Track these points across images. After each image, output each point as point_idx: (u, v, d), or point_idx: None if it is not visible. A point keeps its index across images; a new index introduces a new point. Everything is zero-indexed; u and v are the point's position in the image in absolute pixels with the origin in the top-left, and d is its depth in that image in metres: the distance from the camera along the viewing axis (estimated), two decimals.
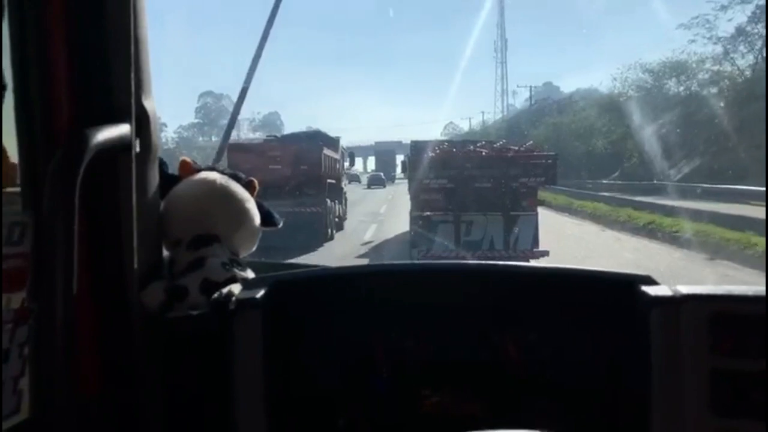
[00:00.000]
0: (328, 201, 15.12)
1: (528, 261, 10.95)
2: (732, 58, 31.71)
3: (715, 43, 32.32)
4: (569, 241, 14.21)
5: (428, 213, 11.16)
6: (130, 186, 1.08)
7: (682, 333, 1.07)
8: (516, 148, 12.81)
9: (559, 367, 1.18)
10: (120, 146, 1.04)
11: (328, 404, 1.21)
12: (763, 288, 1.09)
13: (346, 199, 18.56)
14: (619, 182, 29.66)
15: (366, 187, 45.84)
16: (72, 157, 0.91)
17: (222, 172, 1.35)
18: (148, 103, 1.12)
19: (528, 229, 11.03)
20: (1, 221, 0.93)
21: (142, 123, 1.10)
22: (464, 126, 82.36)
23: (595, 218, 19.55)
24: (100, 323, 1.07)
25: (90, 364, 1.06)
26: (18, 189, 1.02)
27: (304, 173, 14.47)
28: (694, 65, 33.43)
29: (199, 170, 1.34)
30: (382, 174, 52.70)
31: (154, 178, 1.19)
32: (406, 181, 14.67)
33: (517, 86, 62.78)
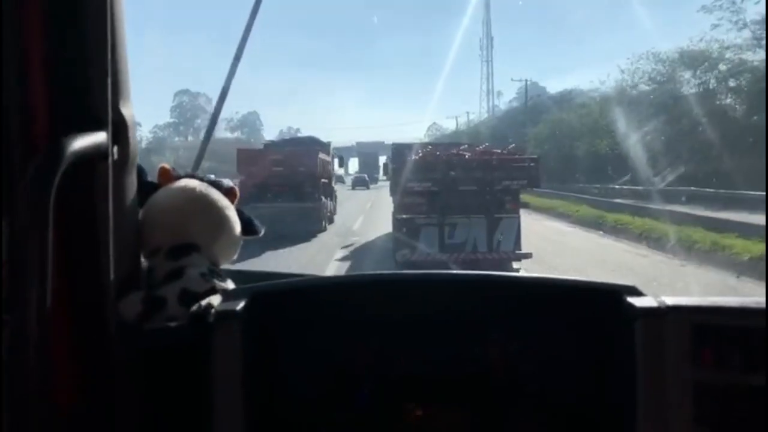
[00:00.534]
0: (323, 198, 17.70)
1: (511, 263, 11.14)
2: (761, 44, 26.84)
3: (741, 29, 27.98)
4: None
5: (412, 216, 11.20)
6: (107, 194, 1.06)
7: (666, 344, 1.07)
8: (499, 151, 12.93)
9: (543, 378, 1.18)
10: (97, 154, 1.02)
11: (310, 417, 1.19)
12: (750, 300, 1.10)
13: (336, 197, 21.33)
14: (636, 188, 24.27)
15: (351, 188, 46.83)
16: (48, 165, 0.89)
17: (202, 180, 1.33)
18: (126, 110, 1.10)
19: (511, 231, 11.15)
20: None
21: (120, 130, 1.08)
22: (449, 126, 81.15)
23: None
24: (75, 334, 1.05)
25: (65, 377, 1.03)
26: None
27: (302, 174, 16.81)
28: (715, 54, 29.32)
29: (178, 177, 1.32)
30: (365, 176, 54.05)
31: (132, 186, 1.17)
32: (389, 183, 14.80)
33: (512, 79, 61.61)
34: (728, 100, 29.32)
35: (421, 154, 12.05)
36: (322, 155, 18.35)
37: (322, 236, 16.32)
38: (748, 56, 27.93)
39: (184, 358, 1.11)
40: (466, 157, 11.99)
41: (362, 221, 19.75)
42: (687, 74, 30.75)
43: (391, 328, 1.21)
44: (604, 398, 1.15)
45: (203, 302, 1.12)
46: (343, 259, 13.00)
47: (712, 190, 21.56)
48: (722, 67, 29.21)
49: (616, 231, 16.78)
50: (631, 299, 1.12)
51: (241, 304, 1.13)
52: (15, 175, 0.98)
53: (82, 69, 1.03)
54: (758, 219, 12.90)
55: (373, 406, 1.19)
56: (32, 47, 0.99)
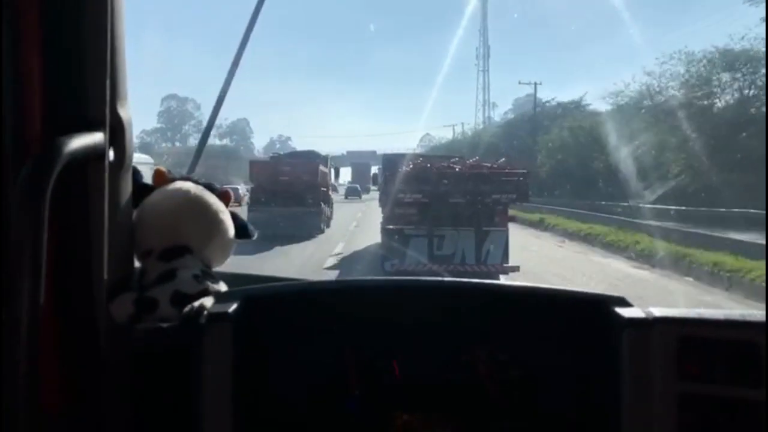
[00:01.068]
0: (322, 204, 20.53)
1: (499, 275, 11.20)
2: None
3: None
4: None
5: (401, 226, 11.25)
6: (102, 195, 1.06)
7: (652, 356, 1.08)
8: (489, 164, 13.03)
9: (530, 388, 1.18)
10: (93, 155, 1.02)
11: (298, 423, 1.19)
12: (734, 312, 1.11)
13: (332, 204, 24.08)
14: (680, 208, 21.26)
15: (344, 197, 47.74)
16: (43, 165, 0.89)
17: (197, 182, 1.33)
18: (123, 112, 1.11)
19: (499, 244, 11.24)
20: None
21: (117, 131, 1.09)
22: (446, 134, 78.85)
23: None
24: (66, 334, 1.04)
25: (54, 377, 1.03)
26: None
27: (305, 183, 19.87)
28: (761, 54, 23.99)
29: (173, 180, 1.32)
30: (358, 186, 54.84)
31: (127, 188, 1.17)
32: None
33: (519, 82, 54.95)
34: None
35: (411, 166, 12.13)
36: (321, 167, 21.49)
37: (320, 237, 18.97)
38: None
39: (175, 360, 1.11)
40: (457, 169, 12.07)
41: (354, 226, 22.36)
42: (726, 76, 26.26)
43: (381, 335, 1.22)
44: (590, 409, 1.16)
45: (195, 304, 1.12)
46: (340, 254, 15.03)
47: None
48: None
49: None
50: (618, 309, 1.14)
51: (233, 307, 1.13)
52: (10, 174, 0.98)
53: (81, 69, 1.03)
54: None
55: (361, 413, 1.20)
56: (30, 47, 1.00)
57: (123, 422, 1.10)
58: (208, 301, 1.14)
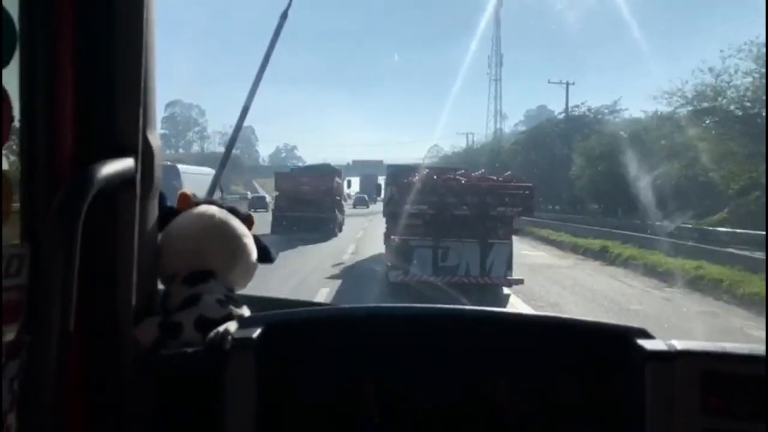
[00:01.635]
0: (336, 211, 23.88)
1: (502, 288, 11.18)
2: None
3: None
4: None
5: (405, 237, 11.25)
6: (131, 220, 1.07)
7: (676, 390, 1.08)
8: (494, 178, 13.04)
9: (550, 419, 1.19)
10: (124, 181, 1.03)
11: None
12: (760, 347, 1.11)
13: (344, 211, 27.23)
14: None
15: (352, 206, 48.60)
16: (77, 191, 0.90)
17: (221, 206, 1.34)
18: (153, 138, 1.12)
19: (503, 257, 11.22)
20: (1, 252, 0.92)
21: (146, 158, 1.10)
22: (459, 143, 75.17)
23: None
24: (92, 358, 1.05)
25: (80, 400, 1.04)
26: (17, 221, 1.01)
27: (322, 193, 23.11)
28: None
29: (198, 203, 1.33)
30: (365, 196, 56.16)
31: (154, 213, 1.18)
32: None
33: (549, 81, 45.78)
34: None
35: (417, 177, 12.14)
36: (336, 179, 25.08)
37: (335, 240, 21.66)
38: None
39: (199, 385, 1.12)
40: (462, 182, 12.09)
41: (364, 231, 24.70)
42: None
43: (401, 362, 1.22)
44: None
45: (220, 329, 1.13)
46: (352, 253, 17.32)
47: None
48: None
49: None
50: (640, 341, 1.14)
51: (256, 333, 1.14)
52: (42, 199, 0.99)
53: (114, 96, 1.05)
54: None
55: None
56: (64, 74, 1.01)
57: None
58: (232, 326, 1.15)
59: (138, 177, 1.07)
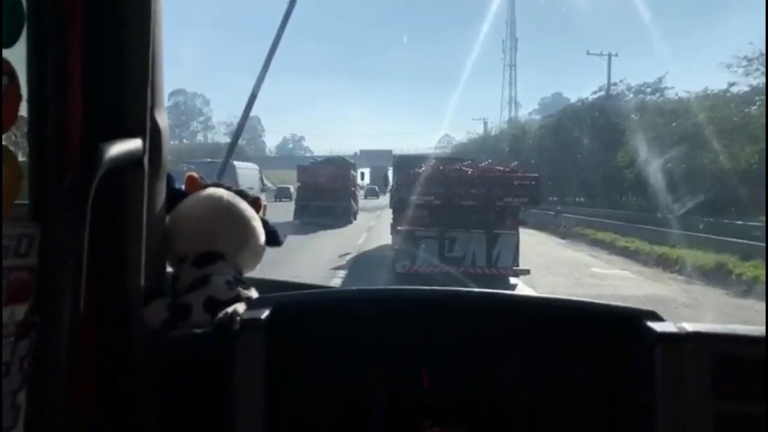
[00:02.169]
0: (351, 200, 26.16)
1: (509, 278, 11.17)
2: None
3: None
4: None
5: (412, 228, 11.25)
6: (139, 201, 1.07)
7: (686, 373, 1.07)
8: (501, 168, 13.01)
9: (559, 402, 1.18)
10: (132, 161, 1.03)
11: (327, 430, 1.20)
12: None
13: (358, 201, 29.28)
14: None
15: (363, 197, 49.17)
16: (86, 171, 0.91)
17: (229, 189, 1.34)
18: (160, 118, 1.12)
19: (509, 247, 11.20)
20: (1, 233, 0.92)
21: (154, 138, 1.10)
22: (475, 130, 69.36)
23: None
24: (101, 340, 1.06)
25: (89, 380, 1.04)
26: (26, 201, 1.01)
27: (338, 183, 25.24)
28: None
29: (206, 186, 1.33)
30: (376, 187, 56.90)
31: (162, 194, 1.18)
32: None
33: (588, 52, 39.86)
34: None
35: (423, 168, 12.12)
36: (351, 171, 27.35)
37: (350, 226, 23.70)
38: None
39: (208, 366, 1.12)
40: (469, 173, 12.06)
41: (376, 219, 26.08)
42: None
43: (410, 344, 1.22)
44: (620, 425, 1.16)
45: (229, 310, 1.13)
46: (367, 238, 18.32)
47: None
48: None
49: None
50: (650, 324, 1.13)
51: (265, 314, 1.14)
52: (51, 180, 0.99)
53: (122, 77, 1.05)
54: None
55: (389, 423, 1.20)
56: (73, 55, 1.01)
57: (155, 426, 1.11)
58: (240, 308, 1.15)
59: (146, 158, 1.07)
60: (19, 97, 0.97)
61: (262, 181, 30.76)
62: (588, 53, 40.66)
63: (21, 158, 1.00)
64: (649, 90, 35.00)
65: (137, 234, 1.07)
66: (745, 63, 21.23)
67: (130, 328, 1.08)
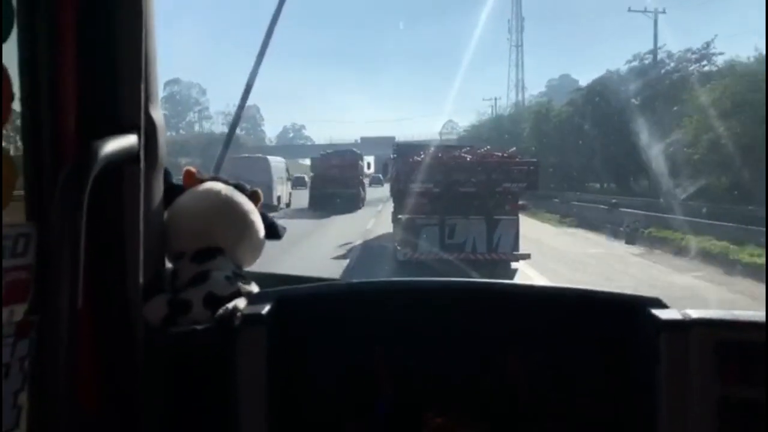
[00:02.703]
0: (359, 188, 29.02)
1: (509, 263, 11.20)
2: None
3: None
4: None
5: (412, 216, 11.27)
6: (136, 197, 1.06)
7: (690, 359, 1.07)
8: (499, 154, 13.00)
9: (564, 390, 1.18)
10: (128, 157, 1.02)
11: (331, 422, 1.20)
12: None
13: (366, 189, 31.97)
14: None
15: (368, 185, 49.88)
16: (81, 168, 0.90)
17: (226, 183, 1.33)
18: (155, 114, 1.11)
19: (509, 232, 11.25)
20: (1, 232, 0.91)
21: (150, 133, 1.09)
22: (485, 109, 65.11)
23: None
24: (101, 337, 1.05)
25: (90, 378, 1.04)
26: (21, 200, 1.00)
27: (348, 172, 28.35)
28: None
29: (203, 180, 1.32)
30: (380, 175, 56.97)
31: (159, 189, 1.17)
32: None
33: (629, 9, 33.16)
34: None
35: (423, 155, 12.12)
36: (360, 161, 30.98)
37: (359, 212, 26.20)
38: None
39: (209, 362, 1.12)
40: (468, 159, 12.05)
41: (383, 206, 26.72)
42: None
43: (413, 336, 1.22)
44: (625, 412, 1.16)
45: (229, 306, 1.12)
46: (375, 223, 19.41)
47: None
48: None
49: None
50: (654, 311, 1.13)
51: (266, 309, 1.14)
52: (45, 177, 0.98)
53: (115, 73, 1.03)
54: None
55: (393, 414, 1.20)
56: (65, 51, 1.00)
57: (158, 423, 1.11)
58: (241, 303, 1.15)
59: (142, 153, 1.06)
60: (12, 95, 0.96)
61: (288, 171, 32.88)
62: (630, 10, 33.74)
63: (15, 155, 0.99)
64: (693, 57, 28.61)
65: (135, 230, 1.06)
66: None
67: (130, 326, 1.07)
